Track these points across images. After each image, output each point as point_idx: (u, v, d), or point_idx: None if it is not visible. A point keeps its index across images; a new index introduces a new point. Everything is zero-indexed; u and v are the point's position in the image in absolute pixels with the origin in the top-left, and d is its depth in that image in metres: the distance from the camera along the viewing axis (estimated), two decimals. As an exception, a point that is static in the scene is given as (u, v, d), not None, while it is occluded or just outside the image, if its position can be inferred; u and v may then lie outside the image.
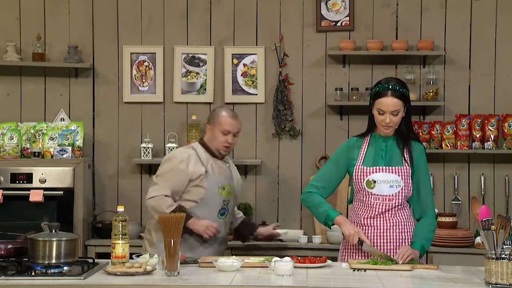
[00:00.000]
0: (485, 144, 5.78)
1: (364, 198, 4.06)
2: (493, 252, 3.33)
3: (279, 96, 5.92)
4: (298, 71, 5.99)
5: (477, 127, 5.79)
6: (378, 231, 4.03)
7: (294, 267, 3.59)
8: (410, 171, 4.03)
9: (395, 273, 3.65)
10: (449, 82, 5.94)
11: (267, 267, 3.66)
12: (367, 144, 4.10)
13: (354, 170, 4.07)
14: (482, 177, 5.88)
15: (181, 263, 3.55)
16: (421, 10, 5.95)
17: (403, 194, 4.02)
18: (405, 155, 4.04)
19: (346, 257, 4.09)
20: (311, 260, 3.77)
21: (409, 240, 4.03)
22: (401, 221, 4.04)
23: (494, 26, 5.93)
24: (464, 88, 5.95)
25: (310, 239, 5.73)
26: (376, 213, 4.03)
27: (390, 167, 4.02)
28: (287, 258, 3.63)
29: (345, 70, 5.98)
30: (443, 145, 5.83)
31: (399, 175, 4.01)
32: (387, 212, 4.03)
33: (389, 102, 3.98)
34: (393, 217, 4.03)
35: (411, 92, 5.71)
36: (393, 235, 4.02)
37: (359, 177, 4.05)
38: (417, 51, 5.85)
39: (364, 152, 4.08)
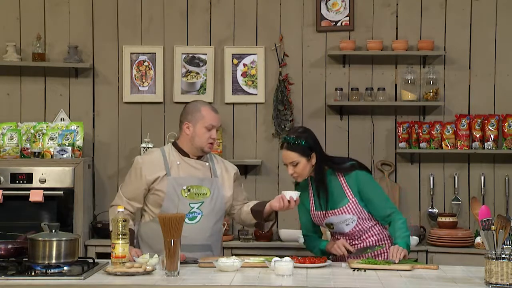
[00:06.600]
0: (485, 144, 5.78)
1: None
2: (493, 252, 3.33)
3: (279, 96, 5.92)
4: (298, 71, 5.99)
5: (477, 127, 5.79)
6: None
7: (294, 267, 3.59)
8: (357, 201, 4.09)
9: (395, 273, 3.66)
10: (449, 82, 5.94)
11: (267, 267, 3.66)
12: (310, 188, 4.20)
13: (311, 216, 4.20)
14: (482, 177, 5.88)
15: (181, 263, 3.55)
16: (421, 10, 5.95)
17: (361, 225, 4.13)
18: (346, 189, 4.10)
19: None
20: (311, 260, 3.78)
21: (381, 236, 4.15)
22: (367, 231, 4.15)
23: (494, 26, 5.93)
24: (464, 88, 5.95)
25: (310, 239, 5.72)
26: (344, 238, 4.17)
27: (337, 209, 4.10)
28: (287, 258, 3.63)
29: (345, 70, 5.98)
30: (443, 145, 5.83)
31: (349, 213, 4.09)
32: (353, 237, 4.16)
33: (284, 155, 4.11)
34: (360, 237, 4.14)
35: (411, 92, 5.76)
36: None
37: (318, 221, 4.20)
38: (417, 51, 5.85)
39: (312, 197, 4.18)
